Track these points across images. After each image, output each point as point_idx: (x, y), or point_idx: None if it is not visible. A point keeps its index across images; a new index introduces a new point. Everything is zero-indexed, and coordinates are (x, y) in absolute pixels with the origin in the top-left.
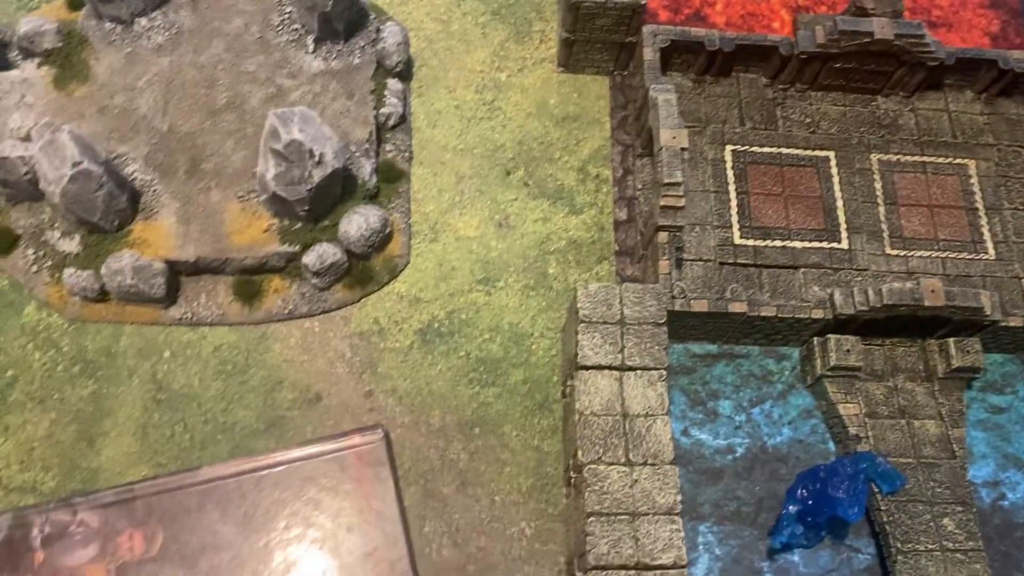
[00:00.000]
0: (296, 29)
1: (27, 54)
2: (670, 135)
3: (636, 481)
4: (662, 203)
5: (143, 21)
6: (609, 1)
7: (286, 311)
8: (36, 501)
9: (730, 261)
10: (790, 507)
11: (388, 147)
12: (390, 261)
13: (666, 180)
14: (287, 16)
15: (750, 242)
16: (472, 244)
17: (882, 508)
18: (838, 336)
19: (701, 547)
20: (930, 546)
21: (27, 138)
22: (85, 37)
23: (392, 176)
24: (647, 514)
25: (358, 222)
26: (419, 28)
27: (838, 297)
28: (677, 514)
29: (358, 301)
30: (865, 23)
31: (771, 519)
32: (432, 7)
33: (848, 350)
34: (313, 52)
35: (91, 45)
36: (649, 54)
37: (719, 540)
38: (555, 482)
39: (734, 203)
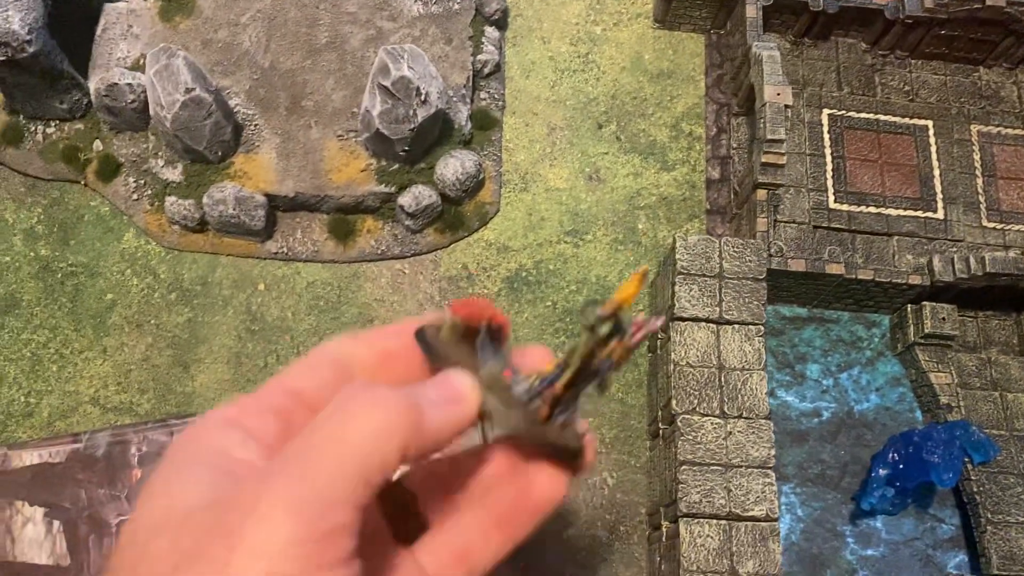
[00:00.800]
0: None
1: None
2: (774, 91)
3: (730, 433)
4: (763, 160)
5: None
6: None
7: (378, 251)
8: (133, 421)
9: (824, 225)
10: (880, 470)
11: (482, 95)
12: (481, 208)
13: (768, 136)
14: None
15: (844, 207)
16: (561, 196)
17: (972, 478)
18: (933, 304)
19: (784, 507)
20: (1020, 518)
21: (135, 68)
22: None
23: (485, 124)
24: (740, 466)
25: (454, 165)
26: None
27: (937, 264)
28: (771, 468)
29: (448, 246)
30: None
31: (855, 484)
32: None
33: (943, 318)
34: None
35: None
36: (752, 12)
37: (802, 501)
38: (639, 435)
39: (830, 167)
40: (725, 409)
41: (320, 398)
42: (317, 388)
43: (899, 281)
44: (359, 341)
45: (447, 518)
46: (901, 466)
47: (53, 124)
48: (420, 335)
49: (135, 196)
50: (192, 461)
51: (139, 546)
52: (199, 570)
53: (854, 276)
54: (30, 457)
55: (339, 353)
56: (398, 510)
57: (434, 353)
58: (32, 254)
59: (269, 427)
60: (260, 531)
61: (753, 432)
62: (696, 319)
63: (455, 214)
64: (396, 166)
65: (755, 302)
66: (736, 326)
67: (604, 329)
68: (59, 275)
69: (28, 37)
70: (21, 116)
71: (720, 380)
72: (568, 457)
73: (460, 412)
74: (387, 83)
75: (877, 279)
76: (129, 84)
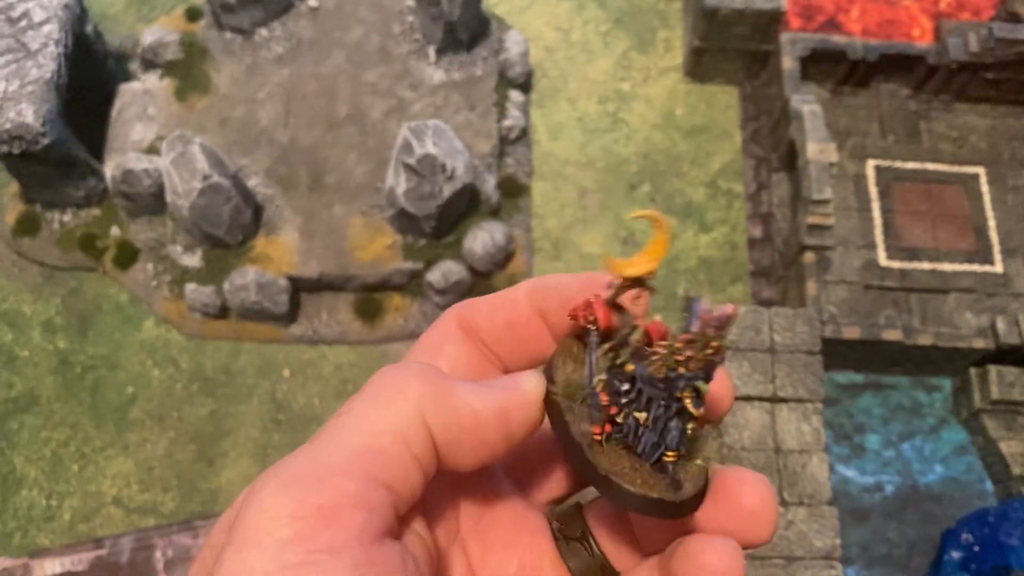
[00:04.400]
0: (417, 39)
1: (148, 65)
2: (817, 148)
3: (791, 523)
4: (809, 221)
5: (263, 31)
6: (747, 8)
7: (407, 330)
8: (157, 522)
9: (876, 284)
10: (952, 553)
11: (509, 161)
12: (512, 279)
13: (815, 197)
14: (408, 26)
15: (896, 264)
16: (596, 262)
17: None
18: (999, 367)
19: None
20: None
21: (150, 151)
22: (205, 48)
23: (513, 191)
24: (803, 558)
25: (483, 239)
26: (539, 38)
27: (1001, 326)
28: (837, 559)
29: None
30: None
31: (925, 564)
32: (552, 16)
33: (1011, 383)
34: (435, 63)
35: (212, 56)
36: (788, 63)
37: None
38: None
39: (878, 221)
40: (785, 496)
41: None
42: (443, 364)
43: (962, 345)
44: (482, 311)
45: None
46: (976, 548)
47: (69, 211)
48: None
49: (154, 283)
50: None
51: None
52: (220, 546)
53: (913, 342)
54: (52, 567)
55: (465, 321)
56: (583, 561)
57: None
58: (51, 347)
59: None
60: (251, 508)
61: (816, 520)
62: (748, 398)
63: (485, 287)
64: (423, 241)
65: (811, 376)
66: (792, 404)
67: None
68: (78, 369)
69: (42, 129)
70: (37, 205)
71: (778, 464)
72: (665, 512)
73: (506, 397)
74: (411, 161)
75: (938, 344)
76: (145, 169)
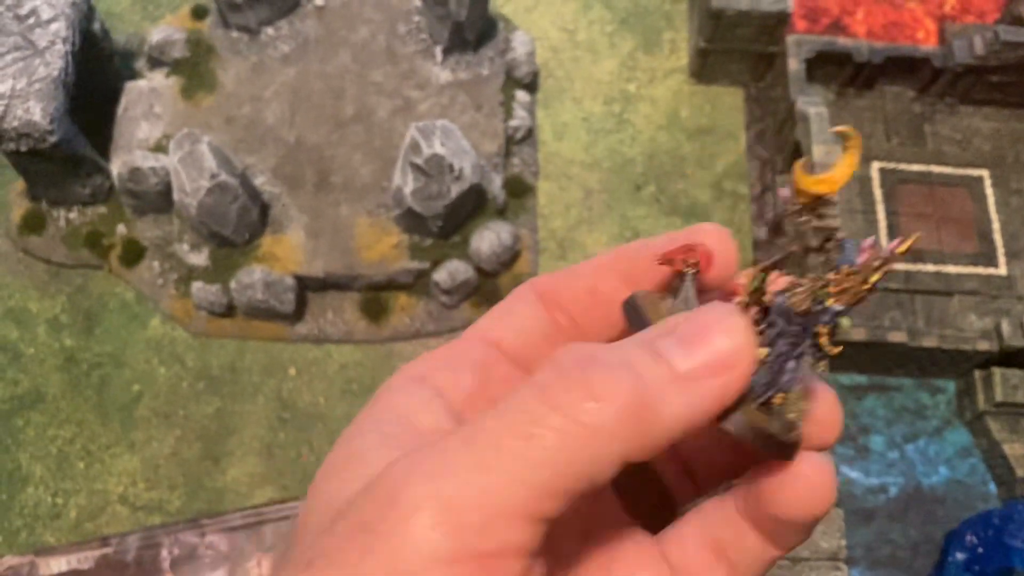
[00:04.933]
0: (423, 39)
1: (155, 63)
2: (824, 151)
3: None
4: (814, 224)
5: (269, 30)
6: (753, 10)
7: (413, 329)
8: (163, 520)
9: (880, 286)
10: (956, 554)
11: (515, 161)
12: (518, 279)
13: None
14: (414, 26)
15: (901, 266)
16: None
17: None
18: (1004, 369)
19: None
20: None
21: (157, 148)
22: (212, 46)
23: (519, 191)
24: (808, 559)
25: (490, 238)
26: (544, 38)
27: (1006, 328)
28: (842, 560)
29: None
30: None
31: (928, 565)
32: (558, 16)
33: (1015, 385)
34: (441, 63)
35: (218, 54)
36: (794, 65)
37: None
38: None
39: (883, 223)
40: None
41: (522, 347)
42: (518, 334)
43: (966, 347)
44: (563, 279)
45: (696, 504)
46: (980, 550)
47: (75, 209)
48: (629, 304)
49: (160, 281)
50: (369, 431)
51: (298, 535)
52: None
53: (917, 344)
54: (58, 565)
55: (545, 289)
56: (636, 483)
57: (642, 321)
58: (57, 345)
59: (463, 382)
60: (395, 537)
61: (821, 521)
62: None
63: (491, 286)
64: (429, 241)
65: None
66: None
67: (811, 239)
68: (84, 366)
69: (50, 127)
70: (43, 202)
71: None
72: (774, 449)
73: (719, 388)
74: (419, 161)
75: (943, 346)
76: (152, 168)
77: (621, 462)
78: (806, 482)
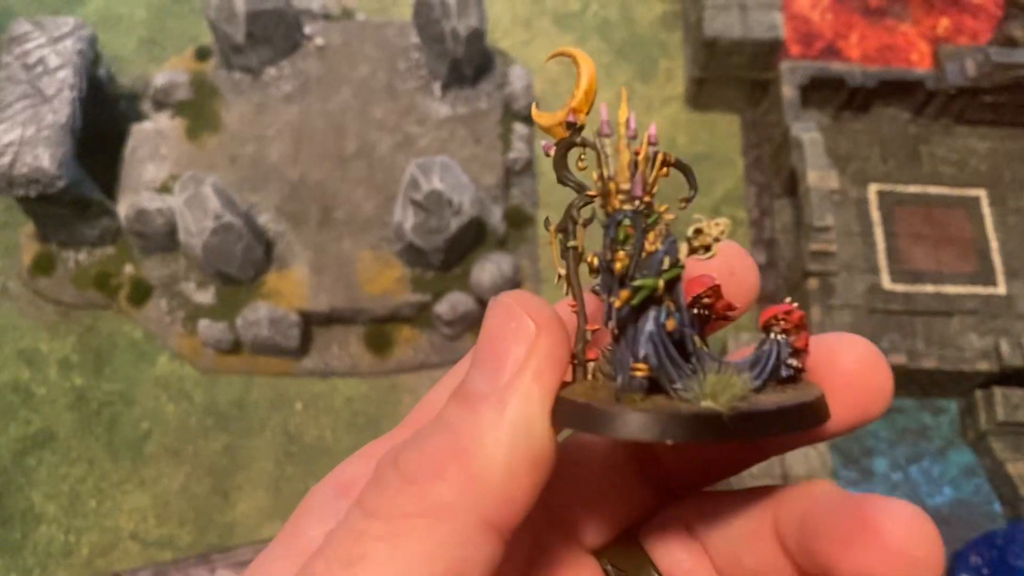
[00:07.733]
0: (422, 76)
1: (160, 106)
2: (818, 176)
3: None
4: (812, 248)
5: (271, 70)
6: (746, 38)
7: (417, 361)
8: (173, 556)
9: (880, 308)
10: (962, 575)
11: (514, 192)
12: None
13: (816, 224)
14: (413, 62)
15: (900, 287)
16: None
17: None
18: (1004, 389)
19: None
20: None
21: (163, 189)
22: (215, 87)
23: (519, 222)
24: None
25: (491, 270)
26: (541, 71)
27: (1005, 348)
28: None
29: None
30: (1021, 54)
31: None
32: (555, 49)
33: (1016, 405)
34: (440, 98)
35: (221, 95)
36: (788, 91)
37: None
38: None
39: (881, 245)
40: None
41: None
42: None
43: (966, 368)
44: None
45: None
46: (985, 571)
47: (84, 250)
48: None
49: (168, 319)
50: (278, 558)
51: None
52: None
53: (917, 366)
54: None
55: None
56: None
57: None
58: (67, 384)
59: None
60: None
61: None
62: None
63: None
64: (431, 274)
65: None
66: None
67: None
68: (94, 405)
69: (58, 173)
70: (53, 245)
71: None
72: (811, 412)
73: (531, 378)
74: (419, 197)
75: (942, 368)
76: (159, 209)
77: (492, 532)
78: (890, 545)
